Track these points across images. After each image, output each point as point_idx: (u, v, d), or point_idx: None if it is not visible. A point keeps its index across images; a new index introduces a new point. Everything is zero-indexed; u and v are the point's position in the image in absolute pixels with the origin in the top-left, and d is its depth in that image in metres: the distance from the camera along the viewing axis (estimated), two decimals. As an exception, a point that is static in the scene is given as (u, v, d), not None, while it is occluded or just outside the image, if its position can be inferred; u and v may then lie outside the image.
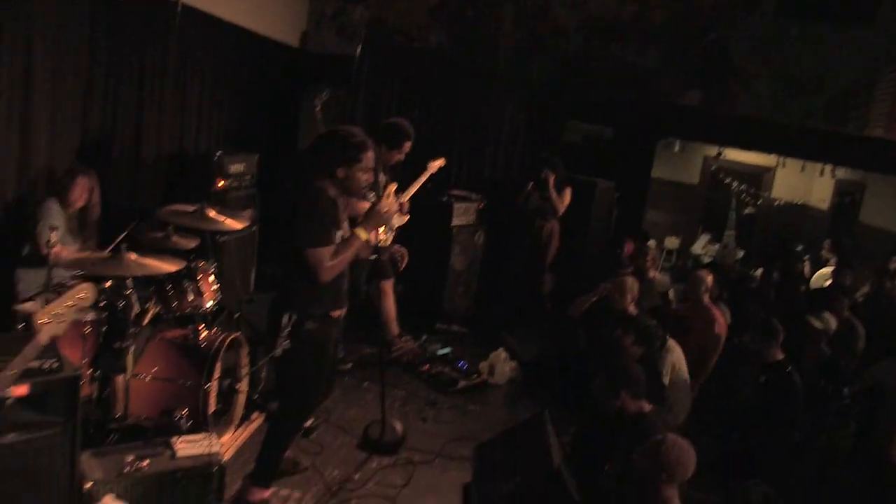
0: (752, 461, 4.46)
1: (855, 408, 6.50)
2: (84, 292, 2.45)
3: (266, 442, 3.99)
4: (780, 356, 4.64)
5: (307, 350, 3.70)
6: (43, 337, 2.32)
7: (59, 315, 2.37)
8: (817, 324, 5.44)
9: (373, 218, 3.67)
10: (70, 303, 2.39)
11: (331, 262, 3.49)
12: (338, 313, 3.80)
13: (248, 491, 3.91)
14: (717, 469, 4.37)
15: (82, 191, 4.86)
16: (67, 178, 4.85)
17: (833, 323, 5.83)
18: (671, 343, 5.26)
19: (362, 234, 3.61)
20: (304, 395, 3.92)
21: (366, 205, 4.08)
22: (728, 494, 2.88)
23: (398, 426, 4.99)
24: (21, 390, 3.30)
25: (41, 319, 2.32)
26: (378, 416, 4.89)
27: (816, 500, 5.22)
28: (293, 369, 3.75)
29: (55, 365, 3.36)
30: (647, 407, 4.18)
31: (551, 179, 7.30)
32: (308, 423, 4.93)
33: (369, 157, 3.62)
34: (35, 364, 3.29)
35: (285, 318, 3.58)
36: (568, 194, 7.44)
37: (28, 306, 4.19)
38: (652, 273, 6.80)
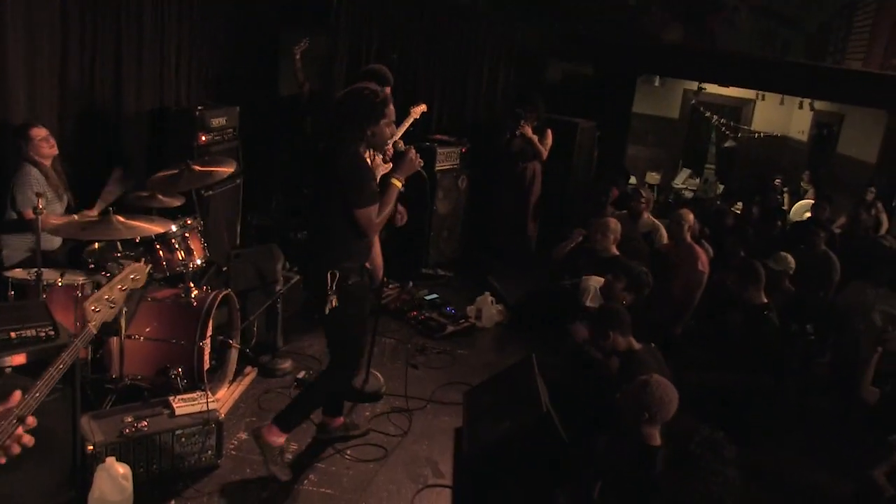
0: (730, 400, 4.59)
1: (828, 338, 6.71)
2: (136, 273, 2.33)
3: (308, 391, 4.08)
4: (763, 299, 4.73)
5: (354, 303, 3.81)
6: (94, 326, 2.17)
7: (110, 300, 2.21)
8: (774, 265, 5.55)
9: (405, 165, 3.79)
10: (121, 286, 2.27)
11: (378, 217, 3.66)
12: (368, 263, 3.95)
13: (268, 429, 3.95)
14: (697, 406, 4.49)
15: (46, 143, 4.70)
16: (25, 134, 4.66)
17: (791, 261, 5.94)
18: None
19: (398, 183, 3.76)
20: (355, 347, 4.04)
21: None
22: (670, 437, 2.98)
23: (379, 376, 5.06)
24: (19, 359, 3.35)
25: (92, 307, 2.17)
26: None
27: (794, 434, 5.42)
28: (344, 324, 3.84)
29: (50, 332, 3.41)
30: (636, 344, 4.29)
31: (525, 125, 7.29)
32: (301, 374, 5.04)
33: (391, 110, 3.74)
34: (31, 332, 3.36)
35: (329, 277, 3.64)
36: (549, 136, 7.46)
37: (18, 272, 4.23)
38: (646, 215, 6.87)
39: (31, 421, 2.00)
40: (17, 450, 1.96)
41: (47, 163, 4.72)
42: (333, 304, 3.66)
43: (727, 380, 4.63)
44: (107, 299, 2.22)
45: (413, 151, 3.82)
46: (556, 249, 6.56)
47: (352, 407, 4.75)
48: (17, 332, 3.27)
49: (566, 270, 6.51)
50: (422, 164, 3.89)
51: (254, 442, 3.97)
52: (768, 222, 8.46)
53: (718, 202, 11.75)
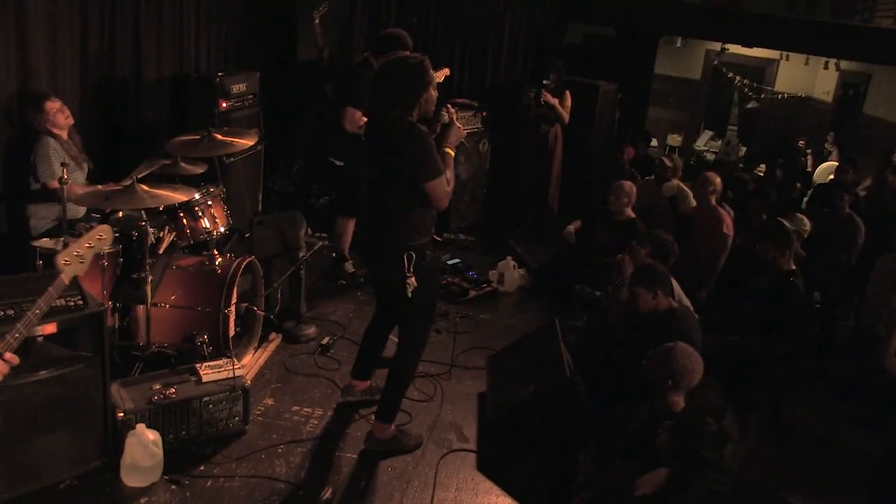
0: (750, 367, 4.58)
1: (853, 302, 6.66)
2: (103, 233, 2.51)
3: (393, 379, 4.01)
4: (791, 266, 4.68)
5: (431, 279, 3.81)
6: (66, 277, 2.38)
7: (79, 255, 2.42)
8: (789, 226, 5.47)
9: (453, 134, 3.77)
10: (89, 243, 2.46)
11: (448, 186, 3.63)
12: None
13: (375, 428, 4.02)
14: (719, 373, 4.49)
15: (62, 114, 4.70)
16: (38, 107, 4.65)
17: (806, 224, 5.86)
18: None
19: (451, 151, 3.74)
20: (429, 323, 4.03)
21: None
22: (677, 427, 2.97)
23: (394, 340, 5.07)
24: (50, 328, 3.40)
25: (62, 260, 2.38)
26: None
27: (815, 394, 5.43)
28: (424, 303, 3.83)
29: (79, 302, 3.46)
30: (675, 303, 4.28)
31: (546, 94, 7.22)
32: (325, 340, 5.07)
33: (432, 73, 3.65)
34: (60, 302, 3.40)
35: (406, 259, 3.61)
36: (568, 98, 7.38)
37: (45, 242, 4.26)
38: (674, 181, 6.80)
39: (10, 357, 2.25)
40: None
41: (64, 134, 4.74)
42: (413, 285, 3.62)
43: (749, 343, 4.61)
44: (76, 255, 2.41)
45: (455, 118, 3.81)
46: (564, 234, 6.56)
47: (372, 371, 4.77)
48: (47, 303, 3.30)
49: (583, 235, 6.50)
50: (465, 135, 3.89)
51: (374, 448, 4.01)
52: (791, 185, 8.36)
53: (741, 164, 11.63)
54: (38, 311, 2.29)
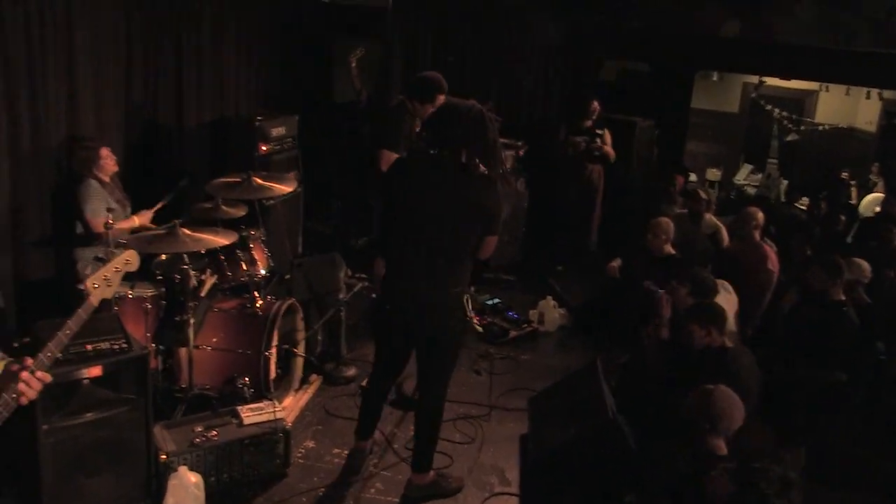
0: (798, 399, 4.48)
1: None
2: (129, 258, 2.59)
3: (424, 424, 3.95)
4: (841, 296, 4.59)
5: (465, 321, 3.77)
6: (94, 299, 2.44)
7: (107, 279, 2.49)
8: (848, 274, 5.30)
9: None
10: (116, 267, 2.53)
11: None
12: None
13: (414, 477, 3.98)
14: (764, 405, 4.39)
15: (111, 160, 4.85)
16: (89, 154, 4.77)
17: (866, 269, 5.60)
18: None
19: None
20: (454, 366, 3.98)
21: None
22: (740, 472, 2.87)
23: None
24: (95, 371, 3.44)
25: (92, 283, 2.45)
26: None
27: (865, 430, 5.26)
28: (459, 342, 3.83)
29: (124, 345, 3.50)
30: (728, 342, 4.21)
31: (594, 110, 7.26)
32: (365, 381, 5.05)
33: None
34: (105, 345, 3.45)
35: (467, 302, 3.65)
36: (607, 135, 7.41)
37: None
38: (708, 216, 6.74)
39: (42, 375, 2.26)
40: (31, 396, 2.22)
41: (107, 179, 4.84)
42: (477, 327, 3.69)
43: (800, 376, 4.51)
44: (104, 278, 2.47)
45: None
46: (607, 269, 6.50)
47: (403, 416, 4.76)
48: (93, 345, 3.38)
49: (621, 272, 6.44)
50: None
51: (414, 494, 3.97)
52: (836, 218, 8.22)
53: (783, 199, 11.48)
54: (67, 332, 2.35)
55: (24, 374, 2.18)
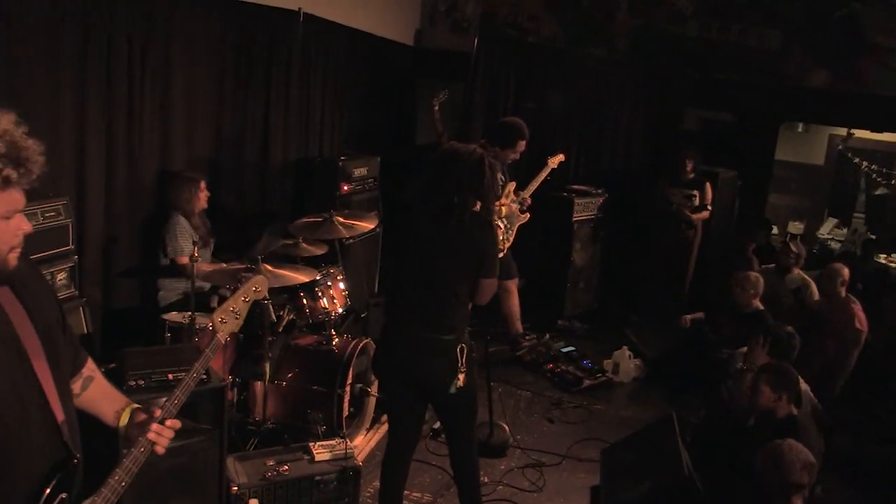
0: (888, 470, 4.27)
1: None
2: (258, 285, 2.41)
3: (464, 478, 3.78)
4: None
5: (474, 369, 3.61)
6: (222, 336, 2.30)
7: (235, 311, 2.33)
8: None
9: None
10: (245, 297, 2.37)
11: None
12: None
13: None
14: (853, 471, 4.20)
15: (204, 193, 4.97)
16: (190, 188, 4.89)
17: None
18: None
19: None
20: (477, 409, 3.83)
21: None
22: None
23: (506, 427, 4.99)
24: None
25: (219, 318, 2.30)
26: (497, 417, 4.95)
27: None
28: (472, 392, 3.63)
29: (203, 376, 3.55)
30: (795, 410, 4.06)
31: (689, 169, 7.20)
32: (437, 424, 5.03)
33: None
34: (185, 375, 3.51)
35: (459, 353, 3.46)
36: (708, 189, 7.32)
37: (173, 315, 4.44)
38: (796, 270, 6.55)
39: (172, 423, 2.13)
40: (164, 444, 2.11)
41: (197, 213, 4.97)
42: (462, 382, 3.45)
43: (887, 449, 4.30)
44: (232, 310, 2.31)
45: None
46: (680, 320, 6.36)
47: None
48: (175, 374, 3.44)
49: (707, 325, 6.29)
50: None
51: None
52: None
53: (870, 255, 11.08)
54: (195, 375, 2.22)
55: (154, 426, 2.06)
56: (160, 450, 2.10)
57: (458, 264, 3.44)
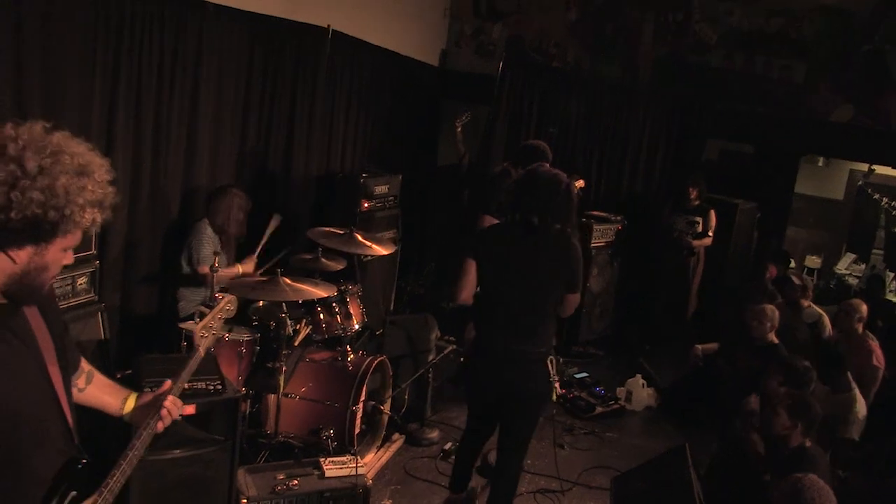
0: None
1: None
2: (229, 304, 2.63)
3: (502, 497, 3.98)
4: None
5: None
6: (202, 350, 2.48)
7: (211, 328, 2.53)
8: None
9: None
10: (220, 315, 2.58)
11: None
12: None
13: None
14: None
15: (240, 214, 5.00)
16: (229, 202, 4.93)
17: None
18: (857, 394, 5.06)
19: None
20: (533, 432, 3.99)
21: None
22: None
23: None
24: (189, 409, 3.51)
25: (201, 333, 2.49)
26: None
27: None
28: (537, 409, 3.88)
29: (219, 386, 3.58)
30: (808, 442, 4.02)
31: (693, 197, 7.20)
32: (448, 445, 5.02)
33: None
34: (202, 384, 3.54)
35: (550, 364, 3.71)
36: (712, 217, 7.31)
37: (191, 325, 4.45)
38: (805, 303, 6.51)
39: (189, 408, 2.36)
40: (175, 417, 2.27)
41: (225, 228, 4.97)
42: (556, 390, 3.70)
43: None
44: (210, 326, 2.52)
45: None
46: (692, 353, 6.33)
47: (487, 483, 4.67)
48: (190, 384, 3.44)
49: (721, 356, 6.25)
50: None
51: None
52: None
53: (892, 291, 11.00)
54: (181, 384, 2.38)
55: (171, 397, 2.23)
56: (164, 424, 2.23)
57: (551, 280, 3.68)
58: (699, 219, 7.32)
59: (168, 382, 2.30)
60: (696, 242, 7.31)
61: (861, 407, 5.07)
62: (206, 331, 2.51)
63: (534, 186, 3.70)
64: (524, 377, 3.72)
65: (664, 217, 7.52)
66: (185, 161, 5.19)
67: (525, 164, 5.55)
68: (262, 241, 5.02)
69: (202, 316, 2.54)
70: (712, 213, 7.35)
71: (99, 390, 2.31)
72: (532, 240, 3.65)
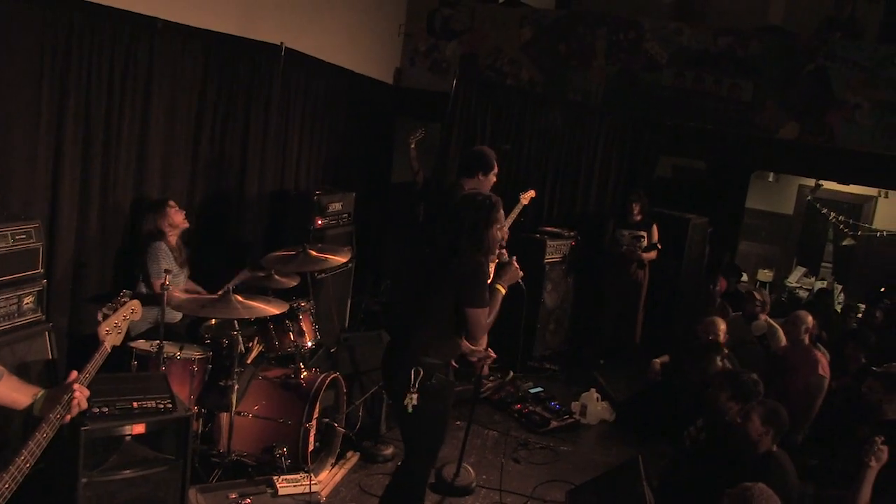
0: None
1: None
2: (134, 307, 2.84)
3: (392, 495, 3.94)
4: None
5: (437, 400, 3.71)
6: (108, 345, 2.68)
7: (117, 326, 2.72)
8: None
9: (508, 273, 3.88)
10: (125, 315, 2.78)
11: (487, 320, 3.70)
12: (455, 362, 3.93)
13: None
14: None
15: (179, 214, 4.97)
16: (159, 209, 4.92)
17: None
18: None
19: (502, 289, 3.82)
20: (435, 445, 3.90)
21: None
22: None
23: (471, 471, 4.95)
24: (139, 428, 3.49)
25: (105, 330, 2.67)
26: (465, 455, 4.92)
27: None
28: (425, 421, 3.74)
29: (169, 405, 3.54)
30: (775, 447, 4.10)
31: (636, 213, 7.31)
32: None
33: (502, 214, 3.78)
34: (151, 403, 3.50)
35: (413, 374, 3.60)
36: (655, 231, 7.42)
37: (141, 344, 4.41)
38: (763, 317, 6.64)
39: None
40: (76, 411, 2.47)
41: (175, 237, 4.95)
42: (414, 402, 3.59)
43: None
44: (115, 325, 2.71)
45: (515, 262, 3.90)
46: (649, 368, 6.42)
47: (441, 500, 4.69)
48: (139, 403, 3.43)
49: (672, 370, 6.34)
50: (522, 276, 3.94)
51: None
52: (892, 328, 8.01)
53: (839, 304, 11.25)
54: (86, 375, 2.57)
55: (77, 385, 2.45)
56: (71, 415, 2.44)
57: (437, 292, 3.68)
58: (643, 233, 7.42)
59: (74, 373, 2.49)
60: (645, 255, 7.41)
61: None
62: (111, 328, 2.69)
63: (451, 211, 3.79)
64: (389, 381, 3.84)
65: (608, 233, 7.62)
66: (136, 178, 5.15)
67: (485, 167, 5.59)
68: (226, 287, 4.97)
69: (105, 316, 2.74)
70: (655, 227, 7.46)
71: (8, 388, 2.48)
72: (439, 253, 3.71)
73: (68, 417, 2.43)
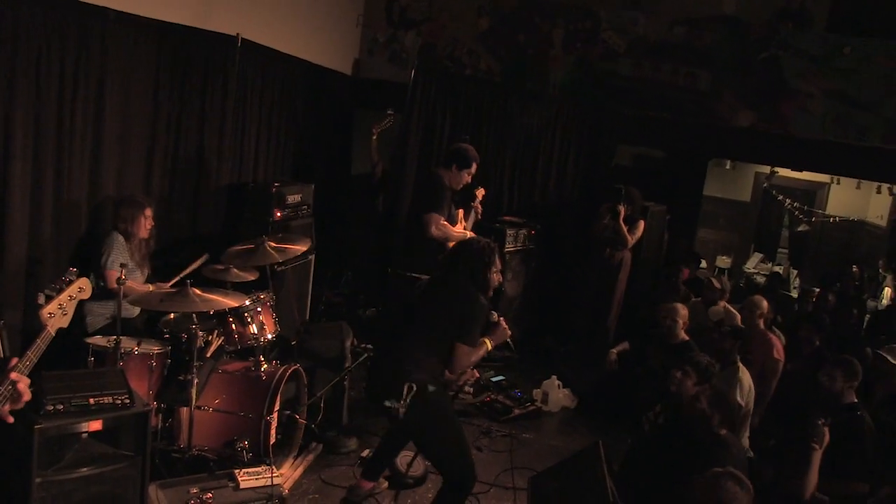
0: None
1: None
2: (82, 285, 2.74)
3: (444, 490, 4.10)
4: (853, 398, 4.51)
5: (434, 412, 3.96)
6: (51, 329, 2.58)
7: (62, 308, 2.62)
8: (892, 358, 5.24)
9: (497, 333, 4.17)
10: (71, 295, 2.67)
11: (469, 360, 4.01)
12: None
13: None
14: (776, 500, 4.30)
15: (147, 222, 4.96)
16: (134, 211, 4.92)
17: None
18: (741, 366, 5.30)
19: (489, 345, 4.11)
20: (462, 459, 4.07)
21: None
22: None
23: (422, 465, 4.95)
24: (95, 425, 3.44)
25: (47, 313, 2.57)
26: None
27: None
28: (437, 438, 4.03)
29: (126, 400, 3.50)
30: (723, 431, 4.17)
31: (622, 211, 7.32)
32: (365, 452, 5.02)
33: (498, 260, 4.15)
34: (108, 399, 3.46)
35: (406, 389, 3.79)
36: (640, 227, 7.44)
37: (98, 339, 4.36)
38: (722, 304, 6.74)
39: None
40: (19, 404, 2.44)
41: (136, 239, 4.93)
42: (400, 412, 3.78)
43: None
44: (59, 307, 2.60)
45: (504, 322, 4.17)
46: (607, 360, 6.49)
47: (397, 494, 4.71)
48: (96, 399, 3.39)
49: (633, 357, 6.42)
50: (510, 335, 4.21)
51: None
52: (847, 311, 8.19)
53: (796, 288, 11.46)
54: (27, 363, 2.49)
55: (14, 373, 2.39)
56: (20, 396, 2.41)
57: (433, 322, 4.00)
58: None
59: (14, 360, 2.43)
60: (623, 227, 7.36)
61: (745, 376, 5.30)
62: (54, 311, 2.60)
63: (459, 252, 4.17)
64: (378, 384, 4.06)
65: (599, 226, 7.51)
66: (91, 173, 5.07)
67: (460, 162, 5.78)
68: (183, 273, 4.93)
69: (48, 298, 2.64)
70: (641, 223, 7.48)
71: None
72: (445, 288, 4.09)
73: (7, 408, 2.38)
